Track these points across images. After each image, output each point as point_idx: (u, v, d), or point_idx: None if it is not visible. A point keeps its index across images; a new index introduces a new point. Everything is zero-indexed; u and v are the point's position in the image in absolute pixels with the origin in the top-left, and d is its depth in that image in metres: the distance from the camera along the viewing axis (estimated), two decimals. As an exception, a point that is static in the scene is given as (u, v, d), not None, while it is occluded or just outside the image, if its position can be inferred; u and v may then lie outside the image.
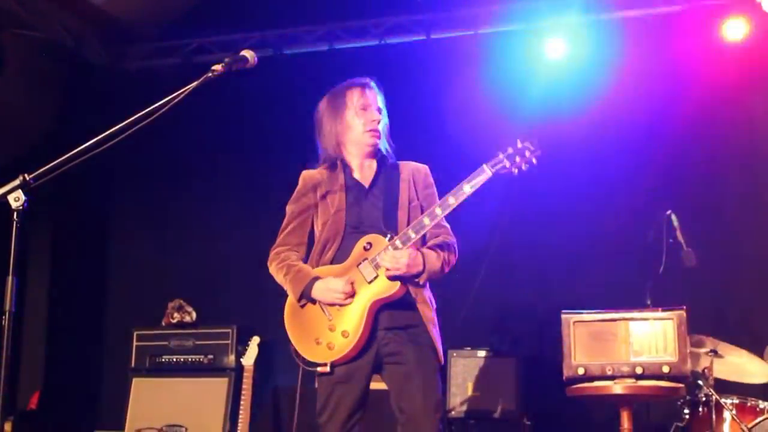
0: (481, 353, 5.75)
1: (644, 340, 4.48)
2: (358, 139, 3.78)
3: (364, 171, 3.82)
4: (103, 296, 7.54)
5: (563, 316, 4.66)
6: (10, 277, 2.73)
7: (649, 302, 4.79)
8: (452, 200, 3.53)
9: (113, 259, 7.61)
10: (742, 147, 6.18)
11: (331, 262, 3.67)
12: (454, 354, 5.74)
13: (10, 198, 2.75)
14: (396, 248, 3.54)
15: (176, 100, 3.06)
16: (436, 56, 6.80)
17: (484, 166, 3.52)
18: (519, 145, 3.52)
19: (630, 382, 4.46)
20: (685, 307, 4.48)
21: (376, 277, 3.57)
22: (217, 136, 7.30)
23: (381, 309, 3.59)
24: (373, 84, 3.85)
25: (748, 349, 5.05)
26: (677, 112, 6.21)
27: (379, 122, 3.77)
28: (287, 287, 3.70)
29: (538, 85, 6.41)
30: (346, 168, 3.81)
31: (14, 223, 2.76)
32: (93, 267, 7.52)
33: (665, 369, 4.39)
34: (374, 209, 3.71)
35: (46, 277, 7.25)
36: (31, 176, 2.79)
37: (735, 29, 6.15)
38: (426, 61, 6.78)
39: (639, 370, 4.41)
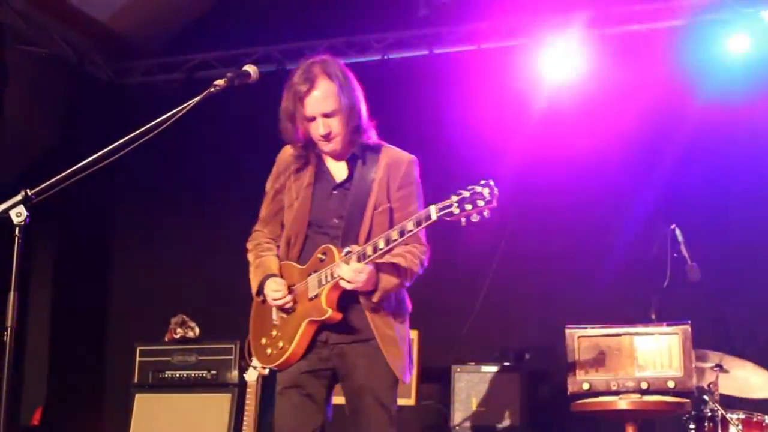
0: (485, 368, 5.72)
1: (649, 355, 4.46)
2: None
3: (336, 162, 3.59)
4: (105, 312, 7.53)
5: (568, 331, 4.64)
6: (12, 293, 2.72)
7: (653, 317, 4.76)
8: (410, 226, 3.23)
9: (116, 275, 7.61)
10: (747, 161, 6.16)
11: (298, 259, 3.55)
12: (458, 369, 5.71)
13: (12, 213, 2.74)
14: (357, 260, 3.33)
15: (178, 116, 3.06)
16: (439, 71, 6.79)
17: (432, 207, 3.15)
18: (477, 189, 3.08)
19: (635, 397, 4.43)
20: (689, 322, 4.46)
21: (316, 296, 3.42)
22: (220, 151, 7.30)
23: (334, 325, 3.45)
24: (317, 84, 3.41)
25: (753, 362, 5.02)
26: (682, 127, 6.19)
27: (327, 135, 3.45)
28: (251, 280, 3.62)
29: (541, 100, 6.41)
30: (319, 155, 3.59)
31: (16, 238, 2.76)
32: (95, 282, 7.52)
33: (670, 384, 4.37)
34: (339, 210, 3.51)
35: (48, 292, 7.25)
36: (33, 191, 2.79)
37: (739, 44, 6.15)
38: (428, 76, 6.78)
39: (644, 386, 4.39)
